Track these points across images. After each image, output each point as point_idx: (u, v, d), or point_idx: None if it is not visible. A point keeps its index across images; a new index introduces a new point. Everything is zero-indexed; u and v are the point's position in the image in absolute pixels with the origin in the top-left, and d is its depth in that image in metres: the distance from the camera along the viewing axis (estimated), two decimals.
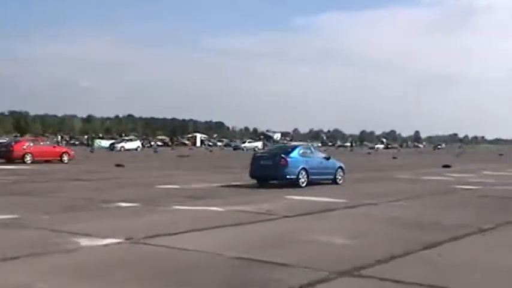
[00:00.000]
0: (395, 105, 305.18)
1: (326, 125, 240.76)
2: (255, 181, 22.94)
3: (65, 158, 40.81)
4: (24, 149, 39.53)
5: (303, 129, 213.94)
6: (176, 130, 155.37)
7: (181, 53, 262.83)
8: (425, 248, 9.19)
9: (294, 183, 21.69)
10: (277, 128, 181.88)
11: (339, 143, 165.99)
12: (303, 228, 11.34)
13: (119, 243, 9.36)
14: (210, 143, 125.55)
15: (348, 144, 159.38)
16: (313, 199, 17.03)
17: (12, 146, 40.15)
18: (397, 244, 9.48)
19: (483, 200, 17.54)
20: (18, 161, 38.41)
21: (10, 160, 38.54)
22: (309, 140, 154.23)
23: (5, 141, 48.19)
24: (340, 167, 24.33)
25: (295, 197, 17.61)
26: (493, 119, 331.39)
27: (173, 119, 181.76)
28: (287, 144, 28.95)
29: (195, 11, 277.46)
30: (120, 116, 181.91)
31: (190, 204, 15.24)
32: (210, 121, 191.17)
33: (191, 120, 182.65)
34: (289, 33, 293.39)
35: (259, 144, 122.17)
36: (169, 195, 17.60)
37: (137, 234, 10.02)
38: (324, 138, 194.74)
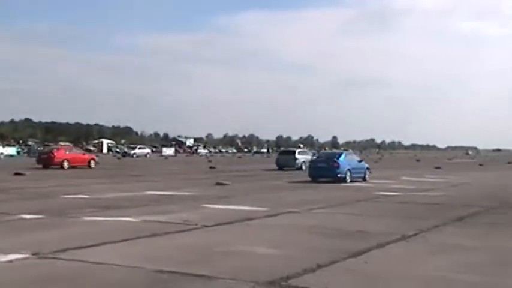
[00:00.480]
0: (313, 109, 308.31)
1: (241, 130, 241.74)
2: (170, 190, 23.69)
3: (92, 163, 47.11)
4: (62, 156, 45.63)
5: (217, 135, 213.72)
6: (80, 136, 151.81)
7: (85, 52, 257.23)
8: (351, 256, 9.48)
9: (342, 180, 30.82)
10: (189, 134, 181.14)
11: (255, 149, 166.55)
12: (224, 238, 11.42)
13: (25, 258, 9.11)
14: (118, 149, 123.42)
15: (265, 150, 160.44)
16: (232, 208, 17.14)
17: (52, 153, 46.09)
18: (322, 253, 9.73)
19: (405, 207, 18.24)
20: (57, 167, 44.11)
21: (49, 166, 44.37)
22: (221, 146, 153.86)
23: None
24: (367, 168, 34.15)
25: (213, 206, 17.68)
26: (409, 124, 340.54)
27: (77, 124, 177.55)
28: (335, 151, 47.33)
29: (103, 9, 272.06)
30: (16, 120, 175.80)
31: (102, 215, 15.01)
32: (118, 126, 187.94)
33: (96, 125, 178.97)
34: (205, 33, 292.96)
35: (170, 150, 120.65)
36: (78, 205, 17.25)
37: (45, 248, 9.79)
38: (239, 143, 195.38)
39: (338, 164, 31.53)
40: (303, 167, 45.44)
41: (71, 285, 7.53)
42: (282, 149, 66.16)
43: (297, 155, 49.21)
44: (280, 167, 48.16)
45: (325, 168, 31.65)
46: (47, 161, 45.18)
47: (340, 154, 33.84)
